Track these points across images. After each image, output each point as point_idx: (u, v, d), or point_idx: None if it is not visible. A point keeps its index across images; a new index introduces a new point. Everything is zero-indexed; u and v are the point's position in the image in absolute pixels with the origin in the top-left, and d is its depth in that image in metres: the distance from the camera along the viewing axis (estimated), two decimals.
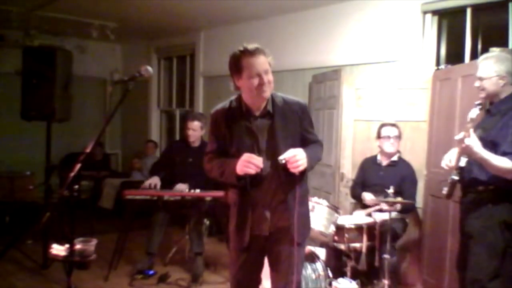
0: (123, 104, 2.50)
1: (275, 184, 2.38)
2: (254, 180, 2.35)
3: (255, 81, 2.29)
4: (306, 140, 2.47)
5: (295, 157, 2.27)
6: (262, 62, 2.30)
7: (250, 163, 2.26)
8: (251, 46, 2.31)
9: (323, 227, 3.54)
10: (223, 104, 2.47)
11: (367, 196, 3.96)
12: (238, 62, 2.31)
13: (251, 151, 2.33)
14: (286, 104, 2.42)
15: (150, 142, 7.64)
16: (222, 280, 4.32)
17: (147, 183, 4.38)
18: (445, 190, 3.03)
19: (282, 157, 2.28)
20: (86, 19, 6.32)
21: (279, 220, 2.41)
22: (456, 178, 2.82)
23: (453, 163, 2.86)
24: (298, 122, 2.43)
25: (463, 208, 2.91)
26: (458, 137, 2.60)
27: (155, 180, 4.38)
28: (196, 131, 4.49)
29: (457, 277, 3.14)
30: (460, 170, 2.82)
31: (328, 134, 4.71)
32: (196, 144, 4.54)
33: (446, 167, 2.95)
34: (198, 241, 4.42)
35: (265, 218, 2.41)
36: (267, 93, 2.34)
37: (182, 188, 4.37)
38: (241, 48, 2.31)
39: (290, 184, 2.37)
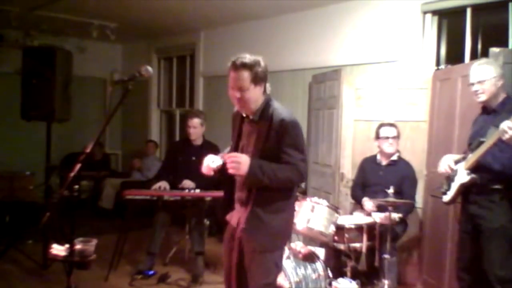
0: (123, 104, 2.50)
1: (242, 187, 2.50)
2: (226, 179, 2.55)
3: (230, 92, 2.43)
4: (280, 159, 2.40)
5: (231, 159, 2.34)
6: (238, 79, 2.36)
7: (204, 167, 2.52)
8: (240, 59, 2.36)
9: (323, 227, 3.54)
10: None
11: (367, 205, 3.95)
12: (228, 72, 2.43)
13: (234, 149, 2.57)
14: (271, 116, 2.43)
15: (150, 142, 7.63)
16: (222, 280, 4.30)
17: (156, 186, 4.37)
18: (448, 195, 3.09)
19: (221, 155, 2.44)
20: (86, 19, 6.31)
21: (243, 221, 2.49)
22: (475, 176, 2.92)
23: (453, 167, 3.03)
24: (275, 139, 2.40)
25: (481, 205, 2.95)
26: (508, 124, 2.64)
27: (164, 184, 4.38)
28: (196, 128, 4.49)
29: (460, 278, 3.15)
30: (475, 169, 2.91)
31: (328, 134, 4.72)
32: (198, 142, 4.55)
33: (445, 172, 3.08)
34: (199, 241, 4.42)
35: (236, 211, 2.58)
36: (241, 109, 2.48)
37: (189, 184, 4.37)
38: (232, 59, 2.39)
39: (250, 192, 2.45)
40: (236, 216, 2.56)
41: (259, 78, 2.39)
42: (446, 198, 3.12)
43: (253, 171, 2.32)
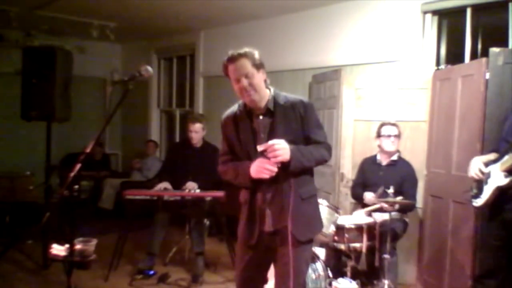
0: (123, 104, 2.50)
1: (273, 182, 2.40)
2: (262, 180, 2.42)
3: (237, 87, 2.41)
4: (309, 140, 2.45)
5: (273, 146, 2.28)
6: (241, 67, 2.37)
7: (264, 168, 2.33)
8: (235, 52, 2.40)
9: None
10: (232, 108, 2.59)
11: (368, 195, 3.95)
12: (225, 70, 2.45)
13: (253, 148, 2.41)
14: (288, 102, 2.45)
15: (150, 142, 7.63)
16: (222, 280, 4.32)
17: (158, 187, 4.37)
18: (482, 199, 2.87)
19: (260, 146, 2.32)
20: (86, 19, 6.31)
21: (279, 219, 2.42)
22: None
23: (484, 170, 2.85)
24: (300, 121, 2.43)
25: None
26: None
27: (166, 185, 4.38)
28: (198, 133, 4.51)
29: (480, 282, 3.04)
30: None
31: (328, 134, 4.66)
32: (198, 144, 4.55)
33: (476, 176, 2.91)
34: (199, 241, 4.42)
35: (267, 214, 2.46)
36: (251, 97, 2.39)
37: (192, 185, 4.37)
38: (227, 55, 2.42)
39: (286, 181, 2.39)
40: (267, 219, 2.44)
41: (258, 63, 2.41)
42: (480, 201, 2.89)
43: (295, 154, 2.32)
